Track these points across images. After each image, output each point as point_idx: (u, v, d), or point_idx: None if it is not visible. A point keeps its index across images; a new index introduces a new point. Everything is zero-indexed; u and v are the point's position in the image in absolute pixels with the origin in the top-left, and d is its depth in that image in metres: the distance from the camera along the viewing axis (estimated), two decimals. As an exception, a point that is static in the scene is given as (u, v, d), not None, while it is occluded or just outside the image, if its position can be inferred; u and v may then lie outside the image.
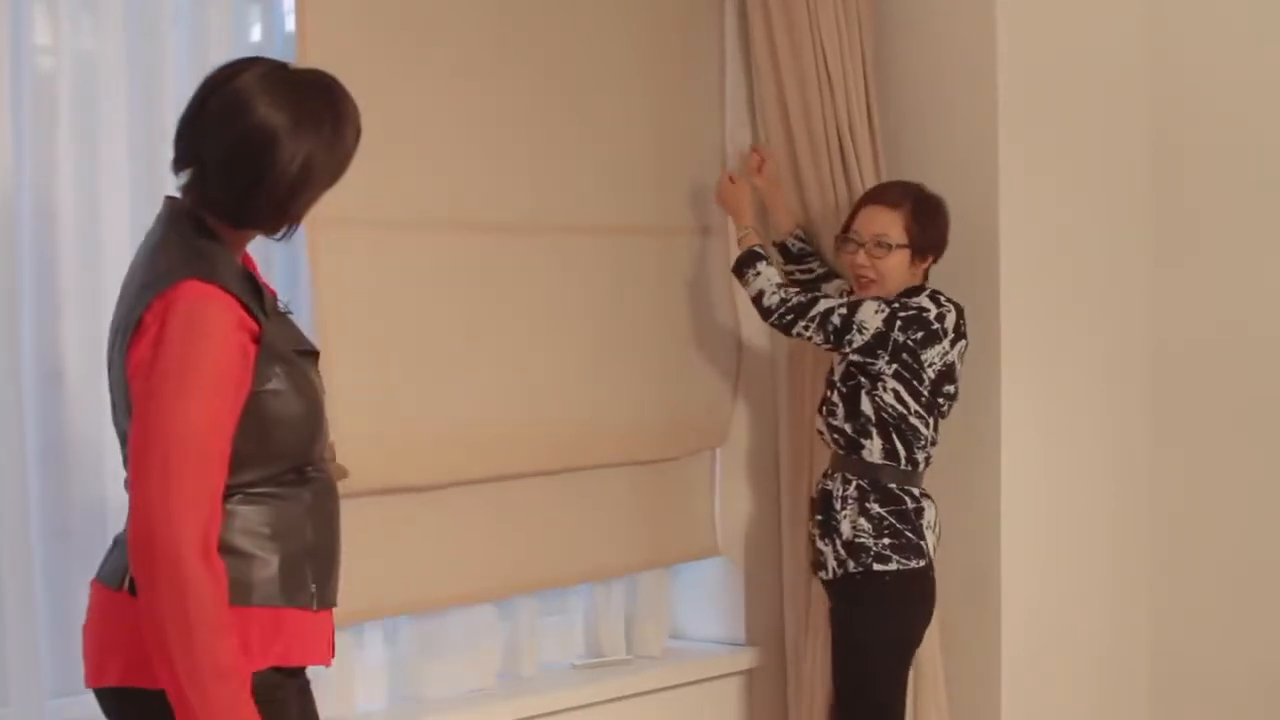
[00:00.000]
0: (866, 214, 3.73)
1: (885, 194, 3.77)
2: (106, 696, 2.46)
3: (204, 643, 2.26)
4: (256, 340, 2.42)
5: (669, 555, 4.11)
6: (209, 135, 2.41)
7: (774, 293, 3.74)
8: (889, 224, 3.69)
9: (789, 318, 3.71)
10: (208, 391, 2.31)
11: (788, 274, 3.99)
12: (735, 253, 3.91)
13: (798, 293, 3.77)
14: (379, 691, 3.61)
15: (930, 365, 3.64)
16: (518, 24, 3.66)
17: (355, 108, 2.50)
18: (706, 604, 4.24)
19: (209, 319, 2.34)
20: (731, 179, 4.01)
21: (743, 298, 3.94)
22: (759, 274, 3.79)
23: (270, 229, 2.48)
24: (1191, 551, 4.39)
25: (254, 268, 2.58)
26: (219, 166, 2.41)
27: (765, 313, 3.76)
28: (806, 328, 3.69)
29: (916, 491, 3.70)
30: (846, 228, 3.77)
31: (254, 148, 2.39)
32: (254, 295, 2.45)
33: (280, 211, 2.45)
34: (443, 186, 3.52)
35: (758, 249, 3.84)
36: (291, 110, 2.40)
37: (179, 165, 2.46)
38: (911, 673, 3.93)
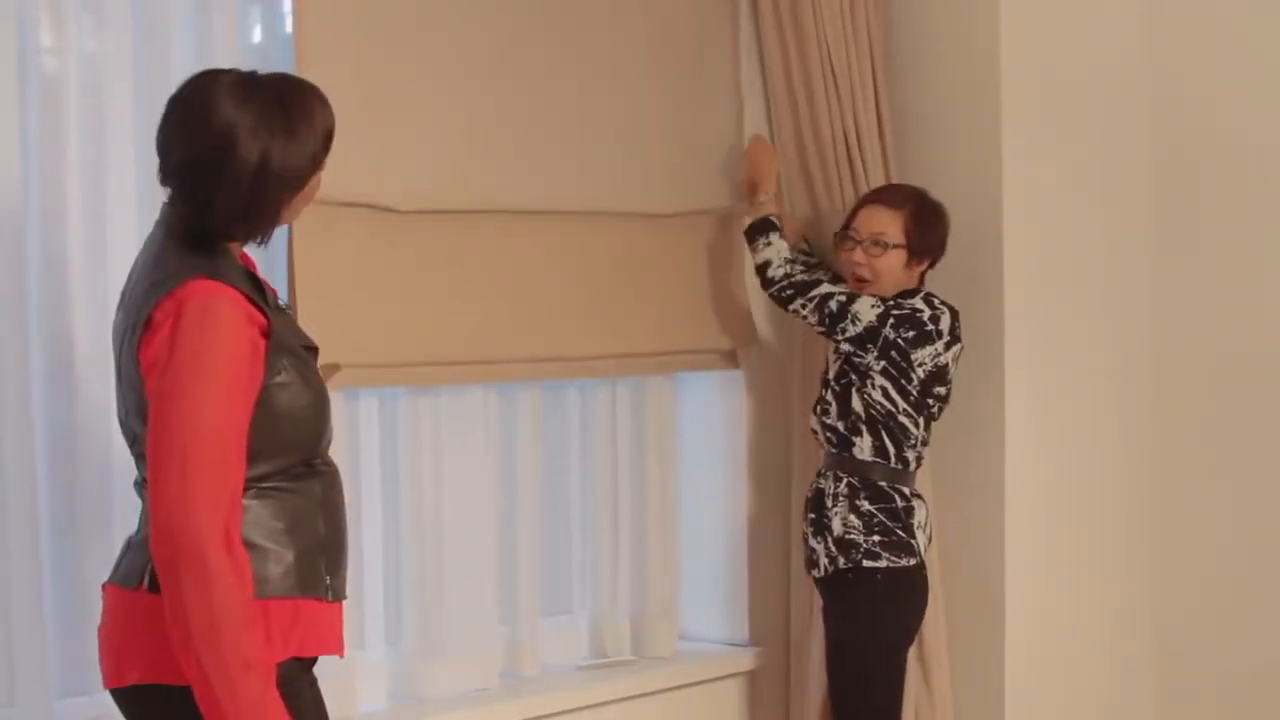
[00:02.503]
0: (867, 213, 3.77)
1: (887, 194, 3.81)
2: (128, 695, 2.47)
3: (231, 635, 2.27)
4: (265, 334, 2.44)
5: (686, 343, 4.05)
6: (174, 139, 2.44)
7: (780, 266, 3.78)
8: (888, 223, 3.72)
9: (789, 292, 3.75)
10: (223, 386, 2.33)
11: (788, 261, 4.01)
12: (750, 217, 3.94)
13: (803, 271, 3.83)
14: (380, 691, 3.61)
15: (920, 365, 3.67)
16: (521, 21, 3.66)
17: (325, 111, 2.51)
18: (709, 604, 4.24)
19: (221, 315, 2.36)
20: (764, 149, 4.02)
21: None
22: (770, 244, 3.82)
23: (240, 235, 2.48)
24: (1196, 550, 4.40)
25: (252, 265, 2.60)
26: (180, 172, 2.44)
27: (767, 283, 3.81)
28: (804, 306, 3.72)
29: (907, 490, 3.72)
30: (847, 225, 3.80)
31: (211, 151, 2.40)
32: (257, 291, 2.47)
33: (244, 215, 2.45)
34: (443, 176, 3.52)
35: (773, 219, 3.87)
36: (249, 112, 2.41)
37: (162, 175, 2.49)
38: (917, 671, 3.96)
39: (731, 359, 4.15)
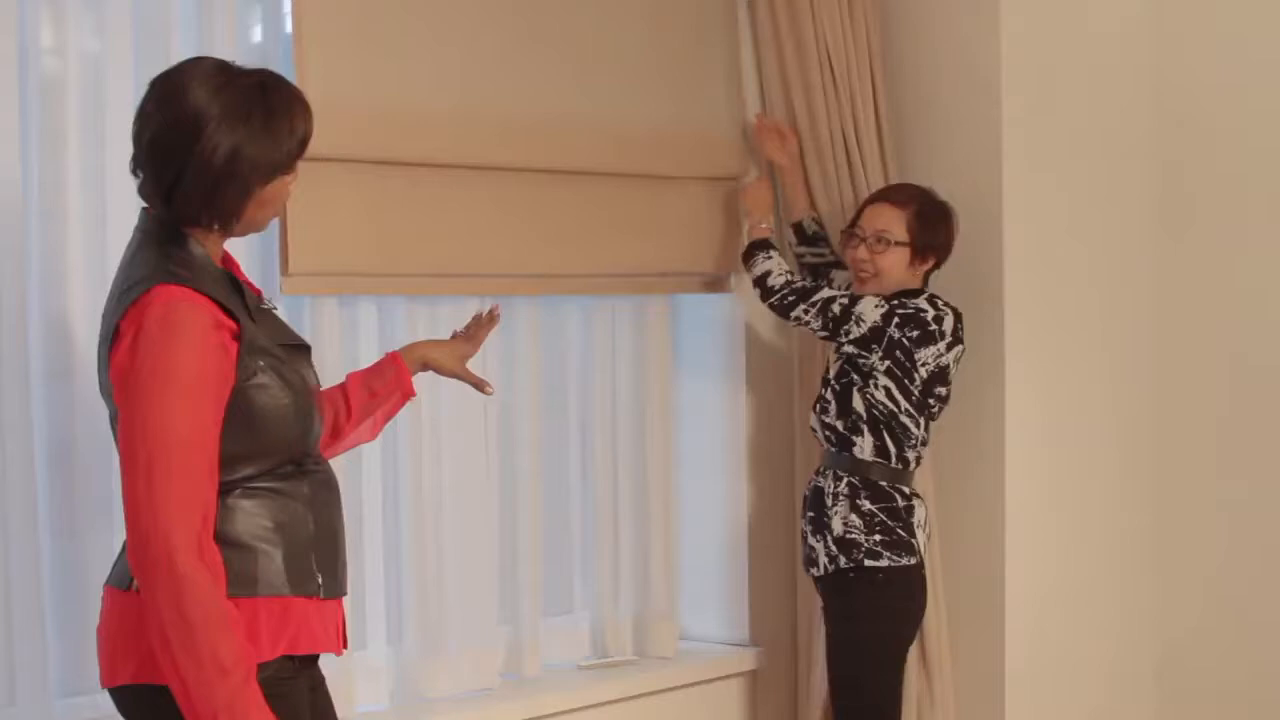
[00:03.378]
0: (872, 210, 3.77)
1: (893, 193, 3.82)
2: (120, 695, 2.49)
3: (206, 640, 2.28)
4: (237, 337, 2.44)
5: (676, 265, 4.04)
6: (147, 125, 2.44)
7: (780, 275, 3.79)
8: (892, 221, 3.73)
9: (790, 299, 3.76)
10: (187, 391, 2.34)
11: (799, 256, 4.04)
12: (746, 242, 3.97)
13: (803, 279, 3.83)
14: (381, 692, 3.61)
15: (923, 365, 3.67)
16: (527, 22, 3.68)
17: (305, 116, 2.51)
18: (710, 604, 4.24)
19: (182, 320, 2.37)
20: (760, 180, 4.06)
21: None
22: (769, 258, 3.84)
23: (205, 222, 2.47)
24: (1198, 550, 4.40)
25: (236, 267, 2.60)
26: (148, 155, 2.44)
27: (767, 293, 3.81)
28: (806, 312, 3.73)
29: (907, 490, 3.73)
30: (852, 223, 3.80)
31: (177, 135, 2.41)
32: (233, 295, 2.47)
33: (208, 203, 2.44)
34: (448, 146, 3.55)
35: (770, 239, 3.89)
36: (221, 101, 2.41)
37: (134, 163, 2.49)
38: (917, 671, 3.96)
39: (721, 284, 4.14)
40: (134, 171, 2.49)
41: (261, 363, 2.47)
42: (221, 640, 2.30)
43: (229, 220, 2.48)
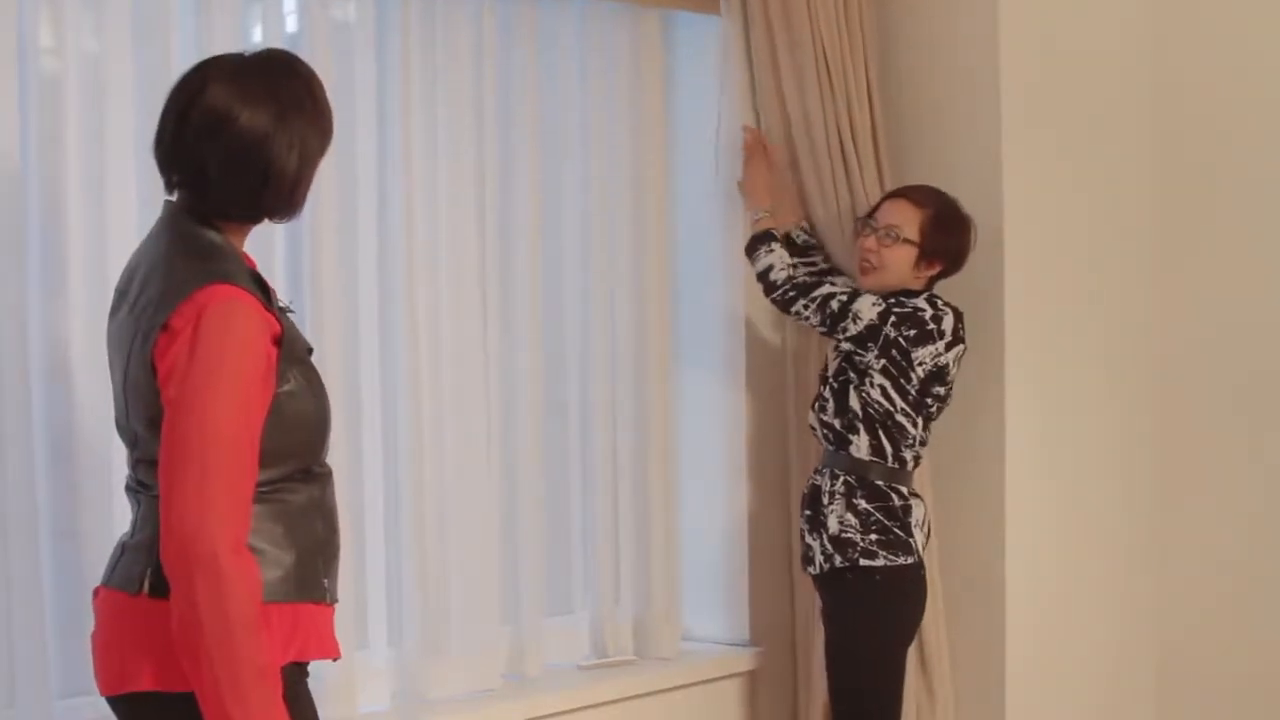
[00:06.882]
0: (891, 204, 3.79)
1: (915, 192, 3.82)
2: (132, 702, 2.45)
3: (245, 641, 2.28)
4: (277, 342, 2.45)
5: None
6: (201, 149, 2.44)
7: (782, 270, 3.80)
8: (906, 218, 3.73)
9: (791, 294, 3.76)
10: (241, 393, 2.34)
11: (790, 265, 4.02)
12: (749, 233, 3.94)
13: (805, 273, 3.84)
14: (382, 692, 3.61)
15: (920, 364, 3.67)
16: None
17: (319, 82, 2.56)
18: (709, 604, 4.23)
19: (240, 321, 2.38)
20: (755, 161, 4.02)
21: None
22: (771, 251, 3.84)
23: (284, 215, 2.54)
24: (1198, 549, 4.40)
25: (255, 266, 2.59)
26: (224, 175, 2.45)
27: (769, 287, 3.81)
28: (806, 307, 3.73)
29: (904, 490, 3.72)
30: (871, 213, 3.82)
31: (252, 151, 2.43)
32: (264, 295, 2.48)
33: (291, 198, 2.51)
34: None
35: (773, 231, 3.88)
36: (271, 103, 2.44)
37: (171, 185, 2.50)
38: (917, 671, 3.96)
39: (712, 3, 4.07)
40: (169, 191, 2.51)
41: (294, 370, 2.48)
42: (258, 643, 2.30)
43: (299, 210, 2.54)
